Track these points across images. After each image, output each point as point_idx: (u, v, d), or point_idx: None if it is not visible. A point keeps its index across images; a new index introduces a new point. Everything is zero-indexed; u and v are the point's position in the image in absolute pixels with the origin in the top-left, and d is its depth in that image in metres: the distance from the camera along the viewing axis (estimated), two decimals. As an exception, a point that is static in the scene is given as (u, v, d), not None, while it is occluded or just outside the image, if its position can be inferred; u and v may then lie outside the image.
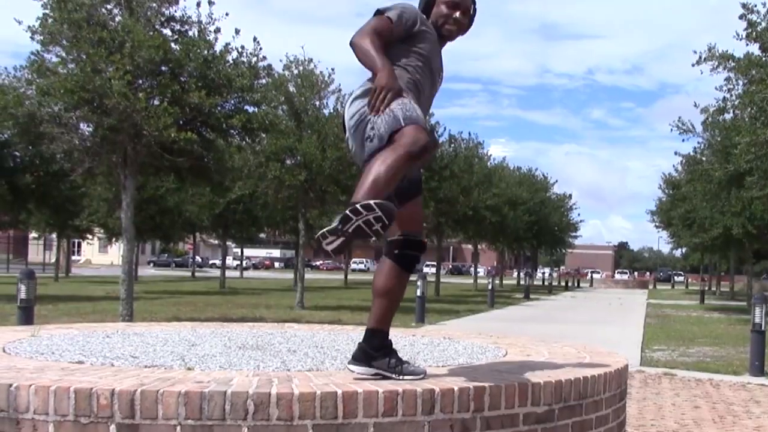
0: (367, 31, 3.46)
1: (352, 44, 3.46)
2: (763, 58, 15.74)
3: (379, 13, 3.57)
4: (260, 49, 14.62)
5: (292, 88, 21.03)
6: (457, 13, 3.74)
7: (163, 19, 14.11)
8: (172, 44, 13.77)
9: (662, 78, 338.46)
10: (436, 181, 26.91)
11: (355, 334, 5.64)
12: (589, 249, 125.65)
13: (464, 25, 3.81)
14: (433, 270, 37.96)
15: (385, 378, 3.42)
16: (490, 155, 36.40)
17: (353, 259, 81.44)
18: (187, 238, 51.31)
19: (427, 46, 3.67)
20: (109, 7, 13.68)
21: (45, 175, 23.82)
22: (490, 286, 26.01)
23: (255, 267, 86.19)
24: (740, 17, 15.71)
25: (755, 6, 15.63)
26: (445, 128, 31.14)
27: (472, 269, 48.21)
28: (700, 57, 16.31)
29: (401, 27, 3.57)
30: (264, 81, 15.48)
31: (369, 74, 3.53)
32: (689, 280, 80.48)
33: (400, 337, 5.41)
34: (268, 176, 20.42)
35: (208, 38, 14.07)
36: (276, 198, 22.52)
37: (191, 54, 13.67)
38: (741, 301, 38.92)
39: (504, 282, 53.06)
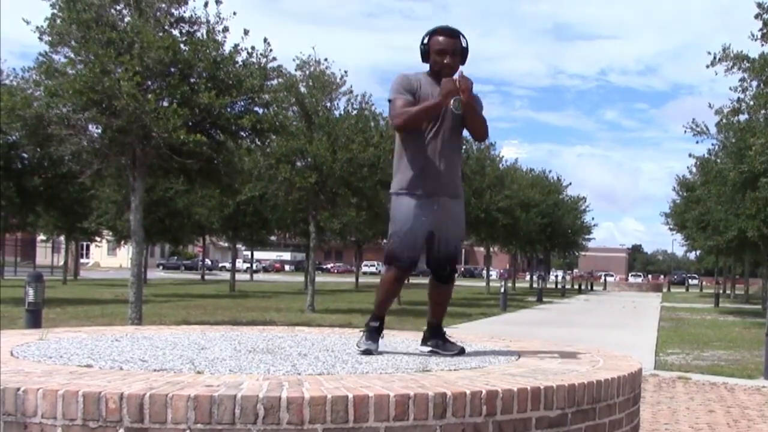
0: (400, 112, 4.53)
1: (400, 127, 4.59)
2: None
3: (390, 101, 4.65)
4: (270, 50, 14.60)
5: (303, 89, 21.03)
6: (447, 59, 4.59)
7: (172, 20, 14.10)
8: (182, 45, 13.75)
9: (676, 79, 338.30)
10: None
11: (366, 337, 5.59)
12: (603, 252, 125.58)
13: (456, 64, 4.60)
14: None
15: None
16: (502, 157, 36.36)
17: (364, 262, 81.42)
18: (197, 241, 51.42)
19: (423, 99, 4.56)
20: (118, 7, 13.66)
21: (53, 177, 23.81)
22: (502, 289, 25.95)
23: (265, 270, 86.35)
24: (756, 17, 15.63)
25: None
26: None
27: (485, 272, 48.10)
28: (715, 58, 16.23)
29: (406, 93, 4.58)
30: (274, 82, 15.45)
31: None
32: (704, 283, 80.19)
33: (412, 341, 5.38)
34: (278, 178, 20.43)
35: (216, 39, 14.05)
36: (286, 200, 22.53)
37: (200, 55, 13.66)
38: (756, 304, 38.79)
39: (516, 285, 53.02)
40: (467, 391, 3.22)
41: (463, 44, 4.67)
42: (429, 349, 4.77)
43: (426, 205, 4.57)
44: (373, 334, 4.64)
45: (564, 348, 5.21)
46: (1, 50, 56.07)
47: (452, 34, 4.63)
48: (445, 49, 4.59)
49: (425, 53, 4.66)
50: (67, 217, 31.18)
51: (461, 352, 4.65)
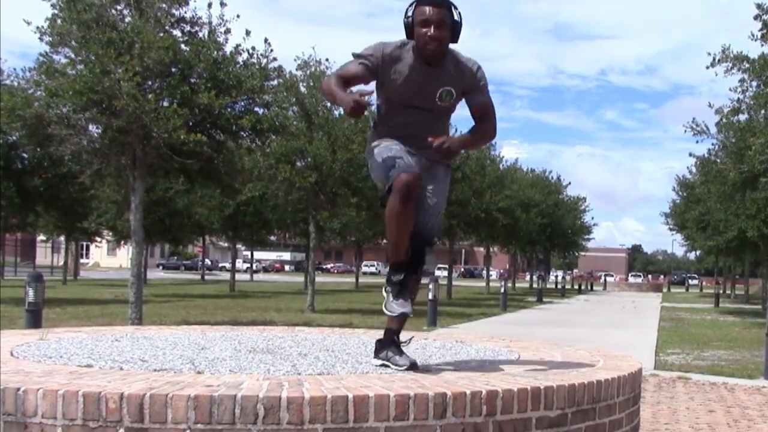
0: (331, 74, 3.98)
1: (322, 89, 4.04)
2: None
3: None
4: (271, 50, 14.61)
5: (303, 89, 21.03)
6: (431, 29, 3.85)
7: (173, 20, 14.10)
8: (182, 45, 13.75)
9: (676, 79, 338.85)
10: (448, 183, 26.75)
11: (366, 337, 5.60)
12: (603, 252, 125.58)
13: (443, 37, 3.89)
14: (445, 273, 37.92)
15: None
16: (503, 157, 36.36)
17: (364, 262, 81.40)
18: (197, 241, 51.41)
19: (399, 76, 3.94)
20: (118, 7, 13.67)
21: (53, 177, 23.84)
22: (502, 289, 25.93)
23: (265, 270, 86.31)
24: (755, 18, 15.63)
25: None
26: (456, 129, 31.04)
27: (485, 272, 48.10)
28: (714, 59, 16.23)
29: (366, 59, 3.93)
30: (274, 82, 15.45)
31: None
32: (704, 283, 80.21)
33: (412, 341, 5.37)
34: (278, 178, 20.43)
35: (218, 39, 14.05)
36: (286, 200, 22.55)
37: (201, 55, 13.66)
38: (756, 304, 38.79)
39: (516, 285, 53.03)
40: (467, 391, 3.22)
41: (455, 17, 3.95)
42: (380, 362, 3.99)
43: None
44: (403, 291, 3.91)
45: (564, 348, 5.21)
46: (1, 50, 56.12)
47: (440, 2, 3.90)
48: (428, 19, 3.86)
49: (410, 27, 3.96)
50: (67, 217, 31.20)
51: (412, 366, 3.84)
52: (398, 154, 3.90)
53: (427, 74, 3.96)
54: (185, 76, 13.66)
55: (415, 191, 3.80)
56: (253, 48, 14.47)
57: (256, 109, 14.81)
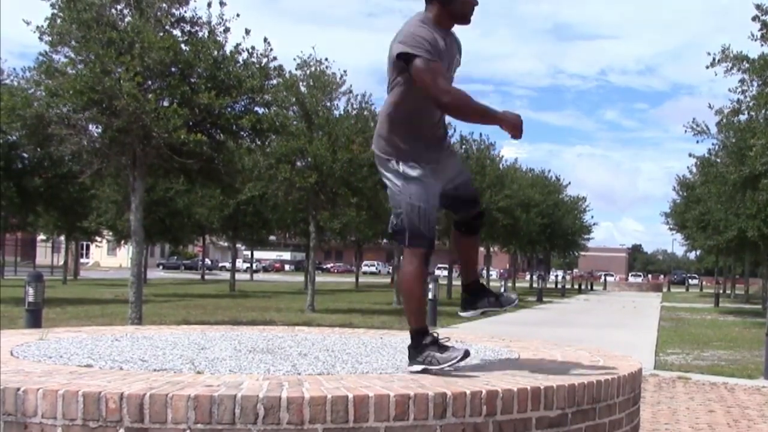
0: (452, 90, 3.58)
1: (448, 107, 3.61)
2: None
3: (411, 57, 3.52)
4: (271, 49, 14.62)
5: (303, 89, 21.04)
6: None
7: (173, 20, 14.09)
8: (182, 45, 13.75)
9: (675, 79, 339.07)
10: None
11: (367, 337, 5.60)
12: (603, 251, 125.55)
13: None
14: (445, 273, 37.91)
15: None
16: (502, 156, 36.39)
17: (364, 262, 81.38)
18: (197, 241, 51.39)
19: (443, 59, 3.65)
20: (119, 7, 13.66)
21: (53, 177, 23.87)
22: (502, 289, 25.92)
23: (265, 270, 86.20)
24: (753, 19, 15.62)
25: (769, 7, 15.55)
26: (455, 129, 31.19)
27: (485, 272, 48.08)
28: (714, 59, 16.23)
29: (434, 55, 3.56)
30: (274, 82, 15.45)
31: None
32: (704, 283, 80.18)
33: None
34: (278, 178, 20.43)
35: (218, 39, 14.05)
36: (286, 200, 22.55)
37: (201, 55, 13.65)
38: (756, 304, 38.77)
39: (517, 285, 52.97)
40: (467, 391, 3.21)
41: None
42: (482, 310, 4.11)
43: (435, 171, 3.84)
44: (439, 344, 3.72)
45: (564, 348, 5.20)
46: (1, 50, 56.14)
47: None
48: None
49: None
50: (67, 216, 31.22)
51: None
52: (431, 211, 3.76)
53: (453, 44, 3.78)
54: (185, 76, 13.66)
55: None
56: (253, 47, 14.48)
57: (256, 109, 14.81)
